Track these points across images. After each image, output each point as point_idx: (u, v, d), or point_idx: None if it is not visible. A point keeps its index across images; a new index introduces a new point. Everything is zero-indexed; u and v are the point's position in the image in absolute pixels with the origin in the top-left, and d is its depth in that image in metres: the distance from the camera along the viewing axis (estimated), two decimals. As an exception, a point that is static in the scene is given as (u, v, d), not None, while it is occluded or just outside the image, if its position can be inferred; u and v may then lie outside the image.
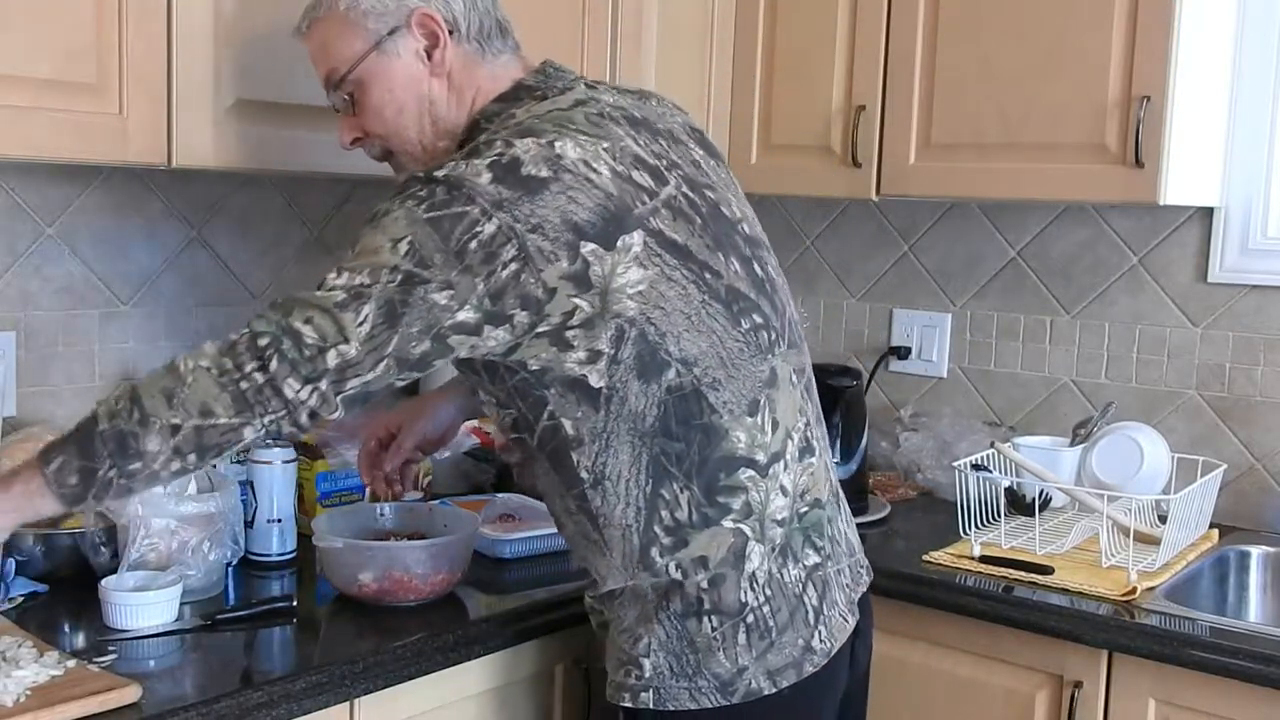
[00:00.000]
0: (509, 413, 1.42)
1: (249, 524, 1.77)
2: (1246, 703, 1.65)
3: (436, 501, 1.94)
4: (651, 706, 1.40)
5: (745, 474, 1.40)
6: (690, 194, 1.42)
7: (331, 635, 1.60)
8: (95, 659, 1.39)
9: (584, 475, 1.39)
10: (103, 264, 1.96)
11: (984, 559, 1.94)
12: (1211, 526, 2.13)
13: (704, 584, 1.39)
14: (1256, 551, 2.12)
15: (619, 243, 1.33)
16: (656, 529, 1.39)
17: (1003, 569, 1.91)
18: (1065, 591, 1.83)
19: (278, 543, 1.80)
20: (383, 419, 1.71)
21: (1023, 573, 1.88)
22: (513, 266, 1.29)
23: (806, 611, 1.44)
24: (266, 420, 1.28)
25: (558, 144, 1.34)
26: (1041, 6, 2.06)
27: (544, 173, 1.32)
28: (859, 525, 1.64)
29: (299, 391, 1.27)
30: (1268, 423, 2.24)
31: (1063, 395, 2.46)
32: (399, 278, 1.27)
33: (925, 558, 1.97)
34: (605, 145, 1.37)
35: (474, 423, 2.06)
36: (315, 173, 1.84)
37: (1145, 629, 1.72)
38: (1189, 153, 2.05)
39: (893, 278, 2.67)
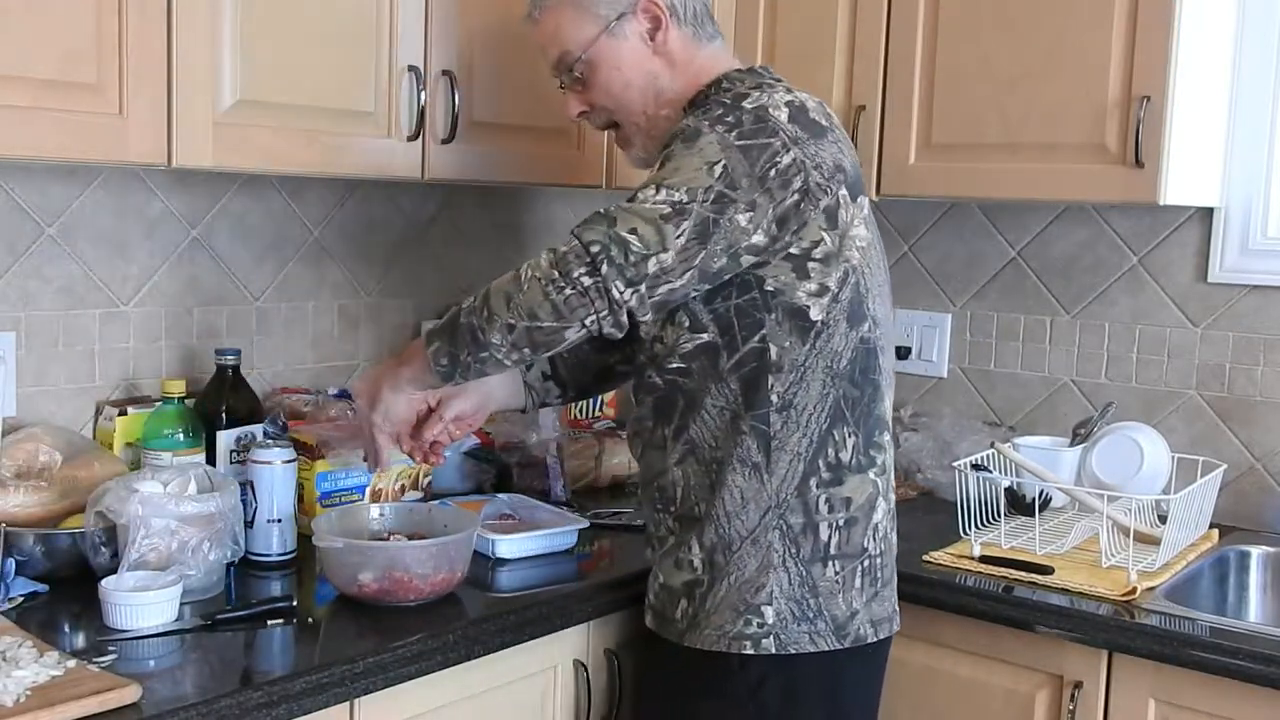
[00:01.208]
0: (698, 338, 1.54)
1: (249, 524, 1.77)
2: (1246, 703, 1.65)
3: (436, 502, 1.94)
4: (774, 651, 1.54)
5: (885, 437, 1.61)
6: None
7: (331, 635, 1.60)
8: (95, 659, 1.39)
9: (774, 399, 1.53)
10: (103, 264, 1.96)
11: (984, 559, 1.94)
12: (1211, 526, 2.13)
13: (840, 523, 1.56)
14: (1256, 551, 2.13)
15: (858, 199, 1.57)
16: (820, 463, 1.55)
17: (1003, 569, 1.91)
18: (1065, 591, 1.83)
19: (278, 543, 1.80)
20: (422, 393, 1.73)
21: (1023, 573, 1.88)
22: (796, 196, 1.49)
23: (896, 577, 1.67)
24: (588, 320, 1.44)
25: (825, 106, 1.59)
26: (1041, 6, 2.06)
27: (823, 121, 1.56)
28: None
29: (623, 293, 1.42)
30: (1268, 423, 2.24)
31: (1063, 395, 2.46)
32: (712, 196, 1.45)
33: (925, 558, 1.97)
34: None
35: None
36: (315, 173, 1.84)
37: (1145, 629, 1.72)
38: (1189, 153, 2.05)
39: (893, 278, 2.65)
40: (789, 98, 1.53)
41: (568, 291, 1.42)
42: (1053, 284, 2.46)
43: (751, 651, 1.54)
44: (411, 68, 1.87)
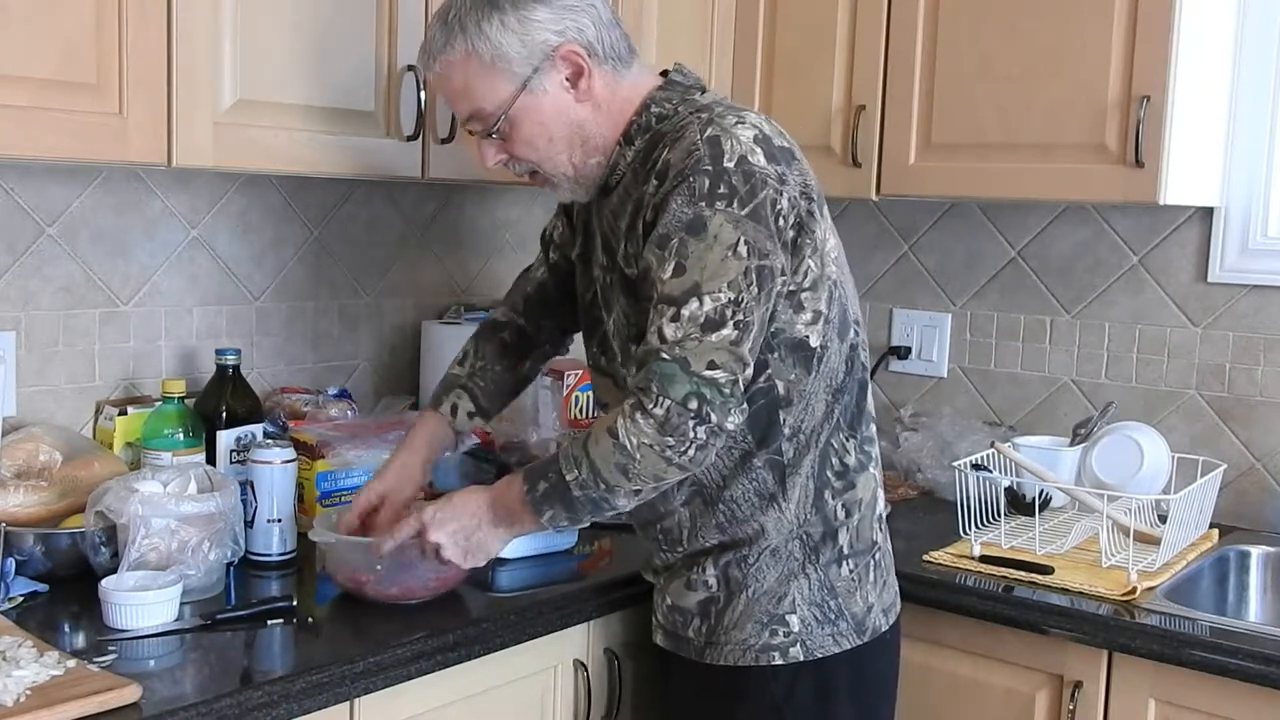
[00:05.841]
0: None
1: (249, 524, 1.77)
2: (1246, 703, 1.65)
3: (436, 501, 1.93)
4: (802, 658, 1.54)
5: (873, 429, 1.63)
6: None
7: (331, 635, 1.60)
8: (95, 659, 1.39)
9: (786, 431, 1.52)
10: (103, 264, 1.96)
11: (984, 559, 1.94)
12: (1211, 526, 2.13)
13: (857, 523, 1.57)
14: (1256, 551, 2.13)
15: (822, 210, 1.53)
16: (829, 474, 1.56)
17: (1003, 569, 1.91)
18: (1065, 591, 1.83)
19: (278, 543, 1.80)
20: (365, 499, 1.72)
21: (1023, 573, 1.88)
22: (792, 232, 1.47)
23: (895, 560, 1.68)
24: (712, 455, 1.44)
25: (773, 122, 1.51)
26: (1041, 6, 2.06)
27: (785, 143, 1.50)
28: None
29: (733, 416, 1.41)
30: (1268, 423, 2.24)
31: (1063, 395, 2.46)
32: (753, 277, 1.41)
33: (925, 558, 1.98)
34: None
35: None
36: (315, 173, 1.84)
37: (1145, 629, 1.72)
38: (1189, 153, 2.05)
39: (893, 278, 2.67)
40: (751, 132, 1.44)
41: (691, 452, 1.40)
42: (1053, 284, 2.46)
43: (780, 662, 1.54)
44: (411, 67, 1.86)
